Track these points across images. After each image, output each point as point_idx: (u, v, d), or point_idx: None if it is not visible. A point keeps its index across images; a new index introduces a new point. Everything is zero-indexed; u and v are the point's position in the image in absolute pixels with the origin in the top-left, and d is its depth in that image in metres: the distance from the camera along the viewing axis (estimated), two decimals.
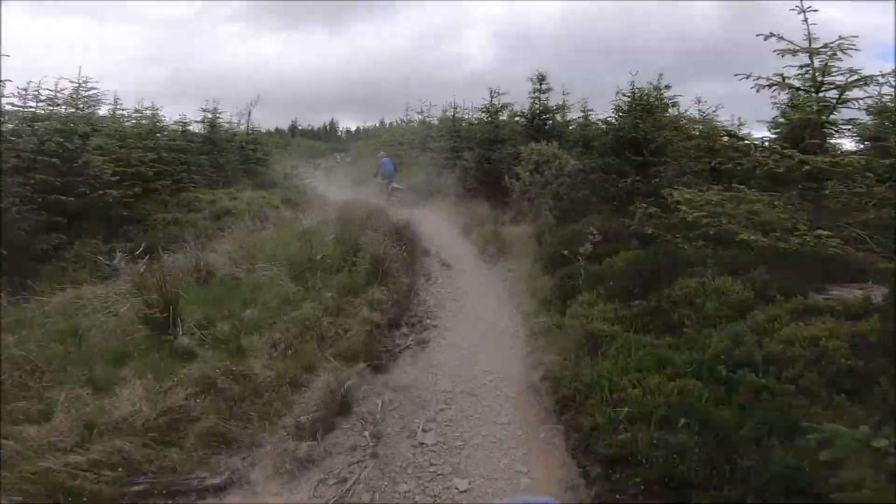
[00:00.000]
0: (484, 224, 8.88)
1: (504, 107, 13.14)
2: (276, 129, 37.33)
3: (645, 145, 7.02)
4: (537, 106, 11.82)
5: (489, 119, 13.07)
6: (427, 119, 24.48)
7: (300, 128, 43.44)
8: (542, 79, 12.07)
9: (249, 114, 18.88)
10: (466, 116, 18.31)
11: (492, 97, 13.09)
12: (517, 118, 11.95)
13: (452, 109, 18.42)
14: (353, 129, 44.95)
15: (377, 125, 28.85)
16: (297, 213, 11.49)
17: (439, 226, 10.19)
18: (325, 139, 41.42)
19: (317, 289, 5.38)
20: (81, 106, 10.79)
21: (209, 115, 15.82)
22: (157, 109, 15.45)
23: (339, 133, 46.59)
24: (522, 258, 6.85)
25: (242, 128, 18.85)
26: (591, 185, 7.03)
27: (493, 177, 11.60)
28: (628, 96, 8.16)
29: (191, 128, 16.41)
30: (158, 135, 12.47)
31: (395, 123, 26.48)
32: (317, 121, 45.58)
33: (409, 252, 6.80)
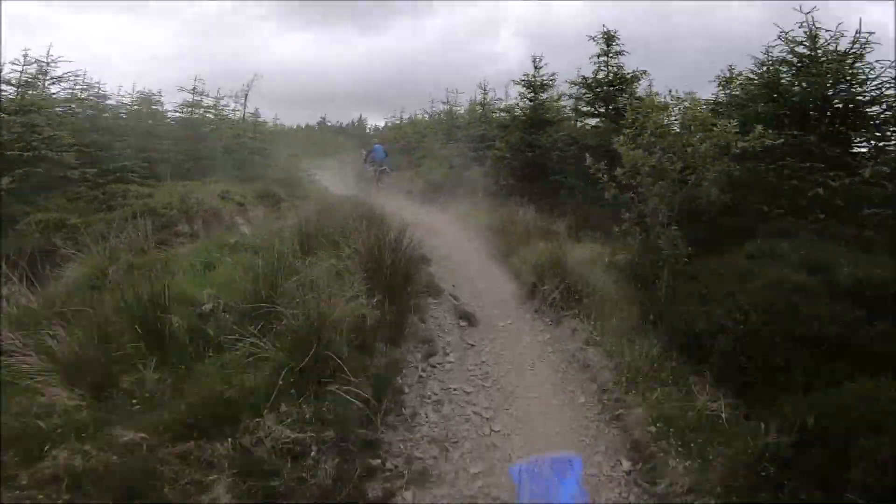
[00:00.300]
0: (531, 239, 5.53)
1: (551, 82, 9.68)
2: (306, 125, 35.89)
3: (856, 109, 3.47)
4: (605, 73, 8.31)
5: (531, 95, 9.64)
6: (453, 108, 21.45)
7: (329, 124, 43.30)
8: (610, 38, 8.56)
9: (246, 98, 16.21)
10: (500, 105, 15.16)
11: (535, 66, 9.68)
12: (574, 86, 8.42)
13: (483, 92, 15.19)
14: (381, 125, 44.42)
15: (399, 119, 25.62)
16: (267, 214, 8.56)
17: (460, 240, 6.92)
18: (353, 135, 40.63)
19: (126, 408, 2.20)
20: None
21: (189, 98, 13.11)
22: (149, 95, 13.16)
23: (367, 129, 45.82)
24: (614, 315, 3.46)
25: (238, 115, 16.26)
26: (760, 179, 3.55)
27: (538, 168, 8.21)
28: (802, 42, 4.59)
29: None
30: (106, 114, 9.82)
31: (418, 115, 23.37)
32: (345, 117, 44.09)
33: (397, 294, 3.54)
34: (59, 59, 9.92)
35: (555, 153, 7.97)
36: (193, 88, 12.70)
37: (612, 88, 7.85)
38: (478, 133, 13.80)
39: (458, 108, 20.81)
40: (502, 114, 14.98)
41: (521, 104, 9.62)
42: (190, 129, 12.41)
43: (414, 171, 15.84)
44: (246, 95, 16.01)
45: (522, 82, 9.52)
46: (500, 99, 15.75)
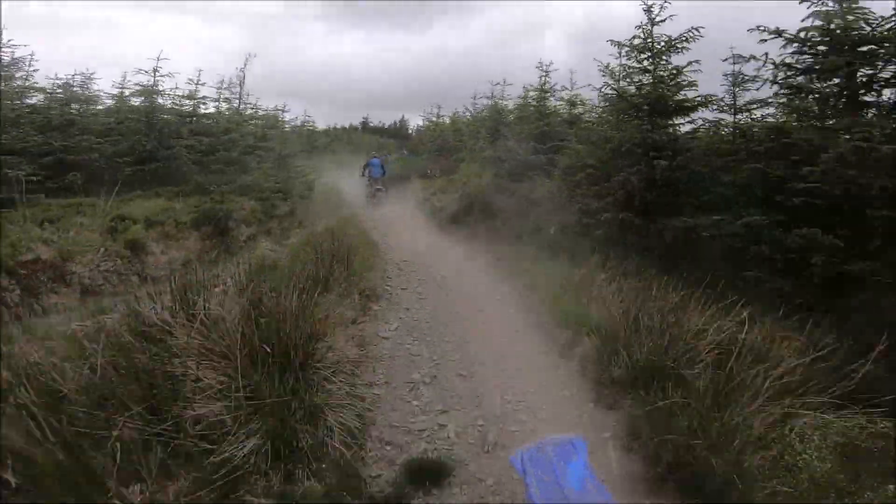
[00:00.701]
0: None
1: (682, 45, 5.56)
2: (350, 125, 35.21)
3: None
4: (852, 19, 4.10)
5: (648, 63, 5.61)
6: (498, 102, 17.46)
7: (371, 124, 42.41)
8: None
9: (241, 85, 13.02)
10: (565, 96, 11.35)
11: (651, 19, 5.65)
12: (774, 36, 4.18)
13: (543, 73, 11.30)
14: (423, 125, 43.43)
15: (436, 116, 21.74)
16: (192, 256, 5.10)
17: (537, 377, 3.19)
18: (394, 135, 37.68)
19: None
20: None
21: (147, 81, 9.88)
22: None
23: (409, 130, 44.24)
24: None
25: (225, 105, 13.12)
26: None
27: (674, 193, 4.27)
28: None
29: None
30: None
31: (457, 114, 19.47)
32: (389, 118, 42.69)
33: None
34: (11, 43, 7.23)
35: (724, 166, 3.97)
36: (155, 69, 9.39)
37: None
38: (535, 131, 10.01)
39: (506, 102, 16.83)
40: (569, 107, 11.32)
41: (631, 79, 5.59)
42: (141, 121, 9.18)
43: (446, 179, 12.16)
44: (241, 82, 12.91)
45: (634, 42, 5.54)
46: (563, 88, 11.86)
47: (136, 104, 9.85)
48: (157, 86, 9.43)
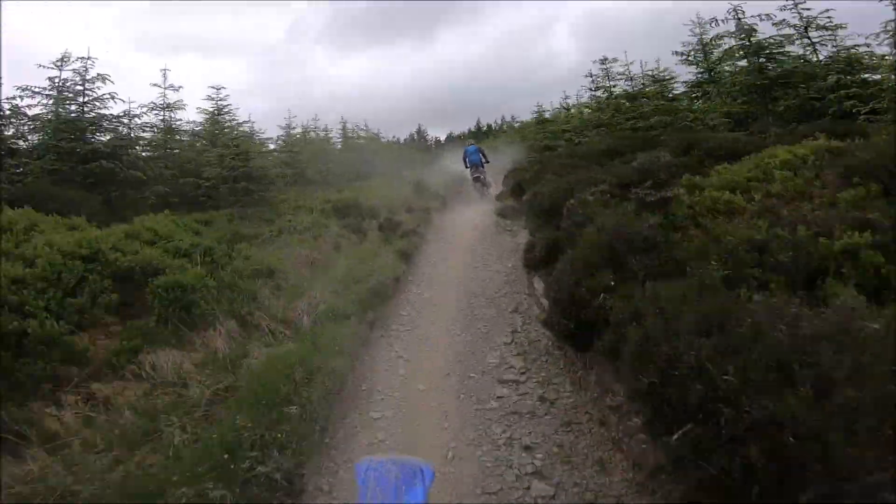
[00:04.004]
0: None
1: None
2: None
3: None
4: None
5: None
6: (573, 108, 15.57)
7: (384, 140, 41.49)
8: None
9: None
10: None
11: None
12: None
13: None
14: (443, 138, 40.09)
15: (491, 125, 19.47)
16: None
17: None
18: (414, 147, 37.89)
19: None
20: None
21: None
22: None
23: (429, 142, 42.94)
24: None
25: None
26: None
27: None
28: None
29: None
30: None
31: (506, 124, 17.54)
32: (402, 132, 41.05)
33: None
34: None
35: None
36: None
37: None
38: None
39: (585, 105, 14.92)
40: None
41: None
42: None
43: None
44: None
45: None
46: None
47: None
48: None
